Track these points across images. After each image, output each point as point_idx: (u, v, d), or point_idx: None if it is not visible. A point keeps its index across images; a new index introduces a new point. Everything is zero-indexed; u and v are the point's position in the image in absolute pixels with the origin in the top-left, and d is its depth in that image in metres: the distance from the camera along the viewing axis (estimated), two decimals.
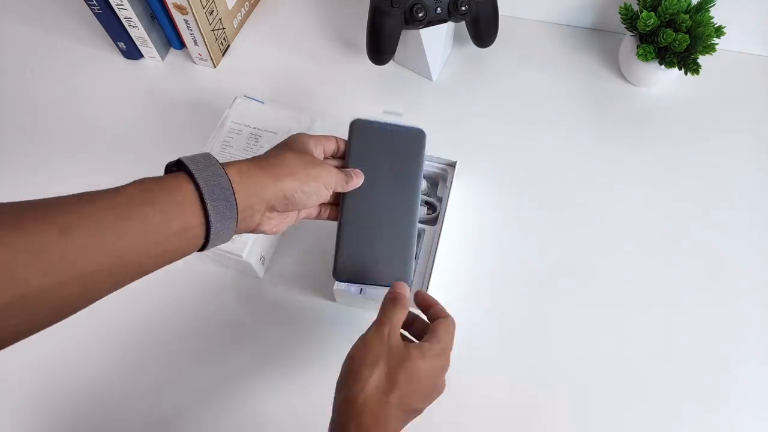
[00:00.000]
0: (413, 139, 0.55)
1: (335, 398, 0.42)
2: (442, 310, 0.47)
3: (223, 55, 0.78)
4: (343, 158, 0.54)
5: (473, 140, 0.71)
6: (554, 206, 0.67)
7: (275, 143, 0.62)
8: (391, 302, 0.45)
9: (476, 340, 0.59)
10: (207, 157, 0.42)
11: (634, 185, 0.68)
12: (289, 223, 0.49)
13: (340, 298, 0.59)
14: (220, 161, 0.42)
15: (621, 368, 0.59)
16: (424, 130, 0.56)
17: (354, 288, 0.55)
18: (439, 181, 0.64)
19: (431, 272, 0.57)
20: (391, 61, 0.71)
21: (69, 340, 0.59)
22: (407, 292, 0.47)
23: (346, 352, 0.43)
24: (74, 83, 0.76)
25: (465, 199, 0.66)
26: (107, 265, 0.35)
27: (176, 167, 0.41)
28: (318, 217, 0.53)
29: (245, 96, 0.65)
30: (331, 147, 0.53)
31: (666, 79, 0.72)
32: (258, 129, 0.63)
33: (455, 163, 0.62)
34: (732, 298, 0.62)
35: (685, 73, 0.66)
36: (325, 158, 0.53)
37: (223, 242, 0.42)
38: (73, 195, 0.36)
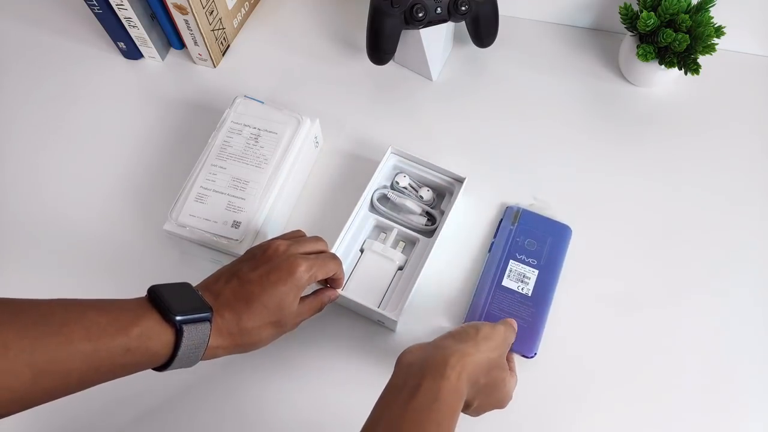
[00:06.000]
0: (559, 234, 0.63)
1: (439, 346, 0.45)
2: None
3: (223, 55, 0.78)
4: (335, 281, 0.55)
5: (473, 140, 0.71)
6: (552, 206, 0.67)
7: (275, 143, 0.62)
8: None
9: None
10: (202, 313, 0.43)
11: (634, 185, 0.68)
12: None
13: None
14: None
15: (620, 368, 0.59)
16: (571, 227, 0.63)
17: None
18: (446, 194, 0.65)
19: (416, 281, 0.58)
20: (391, 61, 0.71)
21: None
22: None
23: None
24: (74, 83, 0.76)
25: (463, 198, 0.66)
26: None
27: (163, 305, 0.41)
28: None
29: (245, 96, 0.65)
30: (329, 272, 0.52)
31: (666, 79, 0.72)
32: (258, 129, 0.63)
33: (464, 179, 0.62)
34: (733, 297, 0.62)
35: (685, 73, 0.66)
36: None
37: None
38: (42, 307, 0.38)
